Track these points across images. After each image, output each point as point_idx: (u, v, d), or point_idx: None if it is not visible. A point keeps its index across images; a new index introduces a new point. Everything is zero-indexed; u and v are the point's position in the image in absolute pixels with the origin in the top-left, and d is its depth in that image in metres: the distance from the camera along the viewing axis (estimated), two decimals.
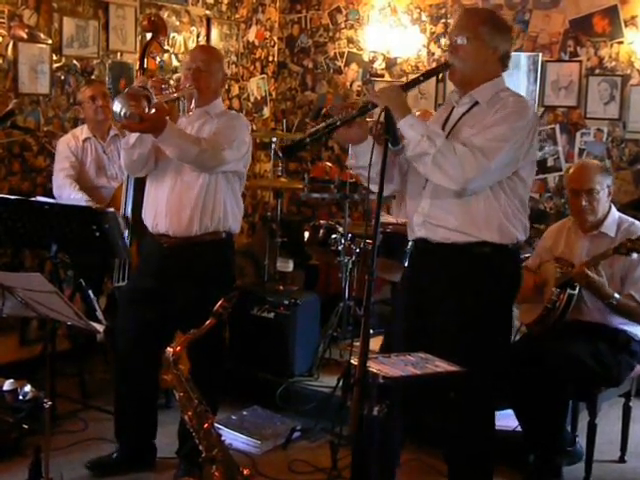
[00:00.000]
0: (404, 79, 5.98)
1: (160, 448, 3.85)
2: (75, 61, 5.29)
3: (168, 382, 2.84)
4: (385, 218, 4.86)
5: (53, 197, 4.58)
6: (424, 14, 6.13)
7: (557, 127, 5.70)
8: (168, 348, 2.80)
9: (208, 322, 2.77)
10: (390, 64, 6.30)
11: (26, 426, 3.94)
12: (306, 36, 6.68)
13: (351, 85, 6.50)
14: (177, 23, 5.94)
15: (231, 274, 3.80)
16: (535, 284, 3.89)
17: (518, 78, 5.68)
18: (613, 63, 5.48)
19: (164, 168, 3.61)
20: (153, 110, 3.26)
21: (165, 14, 5.78)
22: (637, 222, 3.87)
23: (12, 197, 4.24)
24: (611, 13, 5.44)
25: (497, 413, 3.29)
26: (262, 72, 6.76)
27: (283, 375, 4.70)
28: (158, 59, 5.63)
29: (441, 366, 2.51)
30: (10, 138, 4.94)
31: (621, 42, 5.44)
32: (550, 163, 5.75)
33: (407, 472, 3.52)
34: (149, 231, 3.69)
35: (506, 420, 3.80)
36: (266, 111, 6.81)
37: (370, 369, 2.38)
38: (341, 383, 4.22)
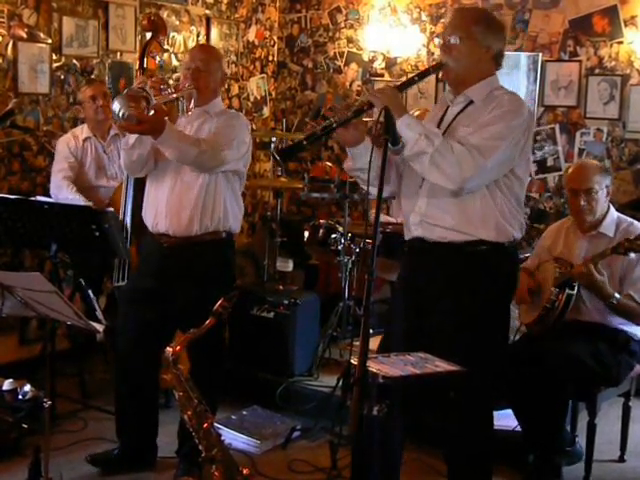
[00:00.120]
0: (404, 79, 5.97)
1: (160, 447, 3.86)
2: (75, 61, 5.29)
3: (168, 382, 2.84)
4: (385, 218, 4.87)
5: (51, 197, 4.58)
6: (424, 14, 6.13)
7: (557, 127, 5.70)
8: (168, 348, 2.80)
9: (208, 322, 2.78)
10: (390, 64, 6.30)
11: (26, 426, 3.94)
12: (306, 36, 6.68)
13: (351, 85, 6.50)
14: (177, 23, 5.94)
15: (231, 274, 3.80)
16: (529, 288, 3.89)
17: (518, 78, 5.68)
18: (613, 63, 5.48)
19: (164, 168, 3.61)
20: (152, 112, 3.26)
21: (165, 13, 5.78)
22: (636, 222, 3.87)
23: (12, 197, 4.24)
24: (611, 13, 5.44)
25: (496, 413, 3.30)
26: (262, 72, 6.76)
27: (283, 375, 4.70)
28: (158, 59, 5.63)
29: (441, 366, 2.51)
30: (10, 138, 4.94)
31: (621, 42, 5.44)
32: (550, 163, 5.75)
33: (407, 472, 3.51)
34: (149, 231, 3.69)
35: (506, 420, 3.80)
36: (266, 111, 6.81)
37: (370, 369, 2.37)
38: (341, 383, 4.22)
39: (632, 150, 5.49)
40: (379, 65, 6.35)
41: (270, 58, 6.81)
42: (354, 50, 6.47)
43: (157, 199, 3.64)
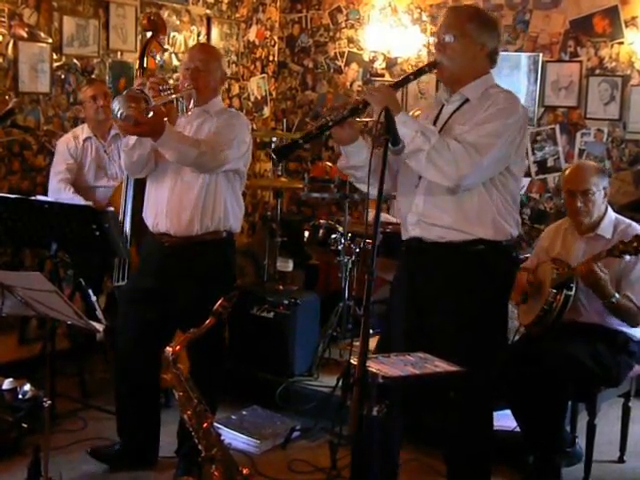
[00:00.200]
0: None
1: (160, 447, 3.85)
2: (75, 60, 5.30)
3: (168, 381, 2.84)
4: (385, 217, 4.87)
5: None
6: (424, 14, 6.13)
7: (557, 127, 5.70)
8: (168, 347, 2.80)
9: (208, 321, 2.78)
10: (390, 64, 6.30)
11: (25, 425, 3.94)
12: (306, 36, 6.68)
13: (351, 85, 6.50)
14: (177, 22, 5.94)
15: (232, 274, 3.80)
16: (530, 282, 3.88)
17: (518, 78, 5.68)
18: (613, 63, 5.48)
19: (164, 168, 3.60)
20: (151, 113, 3.24)
21: (165, 13, 5.78)
22: (634, 224, 3.85)
23: (12, 196, 4.24)
24: (611, 13, 5.44)
25: (496, 413, 3.30)
26: (262, 72, 6.76)
27: (283, 375, 4.69)
28: (158, 58, 5.62)
29: (440, 366, 2.51)
30: (10, 137, 4.95)
31: (621, 42, 5.44)
32: (550, 163, 5.75)
33: (406, 472, 3.52)
34: (150, 230, 3.69)
35: (505, 420, 3.79)
36: (266, 111, 6.81)
37: (370, 369, 2.37)
38: (341, 383, 4.22)
39: (632, 151, 5.49)
40: (380, 65, 6.36)
41: (271, 58, 6.81)
42: (355, 50, 6.47)
43: (157, 199, 3.63)
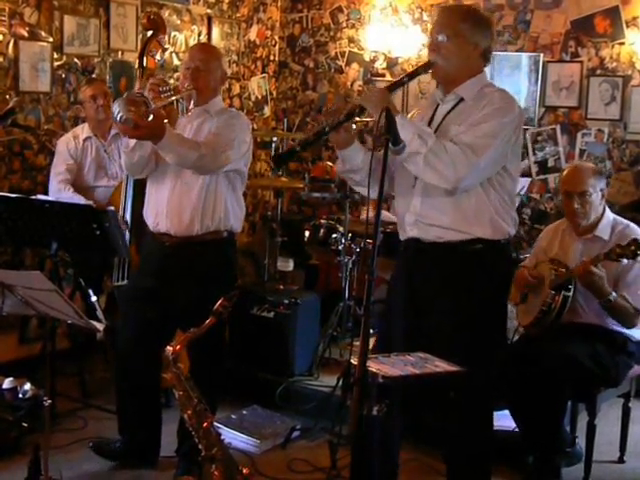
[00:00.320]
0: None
1: (161, 446, 3.85)
2: (76, 59, 5.29)
3: (168, 381, 2.84)
4: (386, 216, 4.87)
5: None
6: (425, 14, 6.13)
7: (558, 128, 5.70)
8: (168, 347, 2.80)
9: (208, 321, 2.78)
10: (391, 64, 6.30)
11: (26, 424, 3.94)
12: (307, 35, 6.68)
13: (352, 85, 6.50)
14: (178, 22, 5.94)
15: (233, 273, 3.80)
16: (532, 276, 3.87)
17: (519, 78, 5.67)
18: (614, 64, 5.48)
19: (164, 169, 3.59)
20: (151, 117, 3.23)
21: (166, 13, 5.78)
22: (632, 224, 3.84)
23: (12, 195, 4.24)
24: (612, 14, 5.44)
25: (496, 413, 3.30)
26: (263, 71, 6.76)
27: (283, 374, 4.69)
28: (158, 57, 5.63)
29: (440, 366, 2.51)
30: (10, 136, 4.94)
31: (622, 43, 5.44)
32: (551, 164, 5.75)
33: (406, 472, 3.52)
34: (150, 230, 3.69)
35: (505, 420, 3.79)
36: (267, 110, 6.81)
37: (370, 369, 2.37)
38: (341, 383, 4.22)
39: (633, 151, 5.49)
40: (380, 65, 6.36)
41: (271, 58, 6.81)
42: (355, 50, 6.47)
43: (158, 199, 3.63)
